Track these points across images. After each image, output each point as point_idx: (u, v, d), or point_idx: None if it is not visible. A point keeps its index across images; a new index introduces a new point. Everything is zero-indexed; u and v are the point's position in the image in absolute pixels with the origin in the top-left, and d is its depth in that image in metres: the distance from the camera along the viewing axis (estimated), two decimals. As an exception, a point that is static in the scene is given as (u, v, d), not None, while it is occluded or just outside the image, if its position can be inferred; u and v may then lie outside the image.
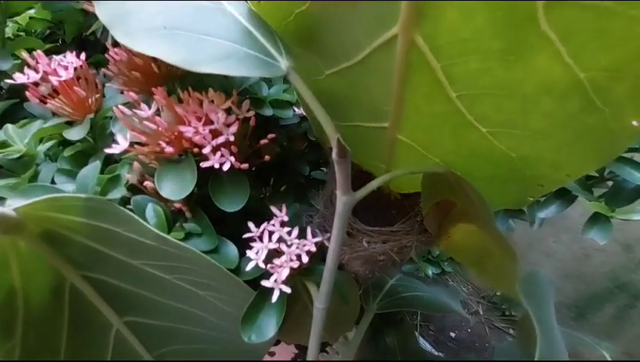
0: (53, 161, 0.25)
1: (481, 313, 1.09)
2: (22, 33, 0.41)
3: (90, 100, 0.23)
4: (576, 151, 0.16)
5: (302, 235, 0.20)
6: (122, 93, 0.24)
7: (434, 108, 0.15)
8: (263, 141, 0.21)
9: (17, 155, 0.24)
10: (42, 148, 0.25)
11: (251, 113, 0.20)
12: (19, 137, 0.26)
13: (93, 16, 0.29)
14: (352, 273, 0.29)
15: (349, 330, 0.34)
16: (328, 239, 0.19)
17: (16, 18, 0.40)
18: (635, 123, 0.13)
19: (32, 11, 0.40)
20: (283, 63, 0.17)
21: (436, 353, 0.96)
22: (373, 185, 0.18)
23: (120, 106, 0.19)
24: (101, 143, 0.25)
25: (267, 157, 0.21)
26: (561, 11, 0.10)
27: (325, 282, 0.19)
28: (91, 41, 0.42)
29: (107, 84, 0.24)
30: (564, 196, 0.29)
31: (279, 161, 0.29)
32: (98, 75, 0.26)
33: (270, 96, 0.28)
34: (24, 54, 0.22)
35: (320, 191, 0.31)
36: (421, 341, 0.99)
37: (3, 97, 0.34)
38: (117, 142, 0.19)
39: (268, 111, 0.26)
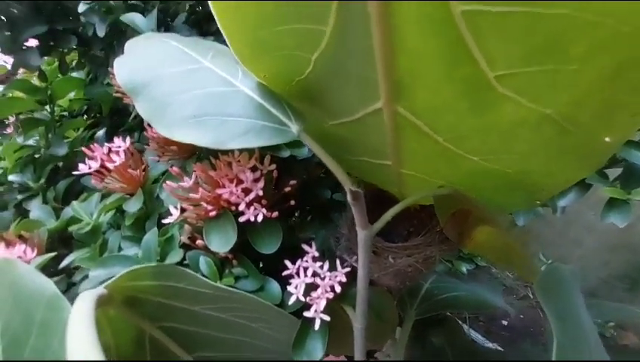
0: (115, 229, 0.29)
1: (531, 296, 1.06)
2: (65, 113, 0.48)
3: (138, 174, 0.27)
4: (565, 163, 0.18)
5: (332, 266, 0.22)
6: (158, 160, 0.28)
7: (427, 150, 0.18)
8: (287, 189, 0.24)
9: (88, 228, 0.29)
10: (105, 218, 0.30)
11: (273, 166, 0.24)
12: (84, 211, 0.31)
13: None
14: (384, 286, 0.31)
15: (392, 338, 0.36)
16: (356, 260, 0.22)
17: (59, 101, 0.47)
18: (607, 139, 0.15)
19: (71, 94, 0.46)
20: (294, 128, 0.20)
21: (489, 344, 0.95)
22: (388, 216, 0.21)
23: (168, 182, 0.23)
24: (152, 207, 0.29)
25: (292, 202, 0.24)
26: (511, 77, 0.12)
27: (359, 304, 0.22)
28: (121, 109, 0.47)
29: (150, 157, 0.29)
30: (580, 184, 0.30)
31: (301, 191, 0.32)
32: (133, 140, 0.31)
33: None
34: (84, 149, 0.26)
35: (343, 214, 0.34)
36: (472, 333, 0.98)
37: (62, 174, 0.40)
38: (170, 213, 0.22)
39: (285, 153, 0.30)
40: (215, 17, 0.17)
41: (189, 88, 0.22)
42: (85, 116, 0.48)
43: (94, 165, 0.26)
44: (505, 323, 1.03)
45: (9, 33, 0.30)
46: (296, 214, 0.35)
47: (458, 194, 0.22)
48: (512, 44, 0.11)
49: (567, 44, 0.11)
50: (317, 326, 0.21)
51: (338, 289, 0.21)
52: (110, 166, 0.26)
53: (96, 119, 0.47)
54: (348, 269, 0.22)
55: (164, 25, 0.33)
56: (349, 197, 0.19)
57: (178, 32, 0.35)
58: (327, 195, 0.35)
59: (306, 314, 0.21)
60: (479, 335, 0.99)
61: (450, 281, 0.43)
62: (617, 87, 0.13)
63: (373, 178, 0.26)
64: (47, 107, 0.39)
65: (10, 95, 0.37)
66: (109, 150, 0.26)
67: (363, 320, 0.22)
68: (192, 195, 0.22)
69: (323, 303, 0.21)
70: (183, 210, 0.23)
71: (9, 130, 0.44)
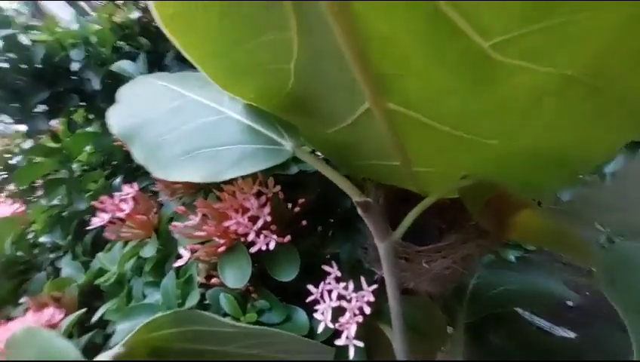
0: (139, 275, 0.29)
1: (596, 271, 0.96)
2: (86, 167, 0.49)
3: (150, 217, 0.27)
4: (603, 127, 0.15)
5: (358, 285, 0.20)
6: (170, 200, 0.27)
7: (436, 143, 0.15)
8: (296, 209, 0.22)
9: (113, 279, 0.29)
10: (128, 266, 0.30)
11: (277, 188, 0.22)
12: (109, 261, 0.31)
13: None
14: (425, 294, 0.28)
15: (444, 345, 0.33)
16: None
17: (80, 157, 0.48)
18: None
19: (87, 148, 0.47)
20: (287, 145, 0.19)
21: (558, 329, 0.87)
22: (407, 221, 0.18)
23: (174, 223, 0.22)
24: (170, 248, 0.29)
25: (304, 222, 0.23)
26: (512, 42, 0.10)
27: (395, 322, 0.19)
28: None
29: (160, 198, 0.28)
30: (628, 146, 0.27)
31: (320, 204, 0.30)
32: (145, 184, 0.31)
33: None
34: (94, 203, 0.26)
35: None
36: (535, 320, 0.91)
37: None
38: (181, 256, 0.22)
39: (294, 169, 0.28)
40: (184, 54, 0.16)
41: (177, 125, 0.21)
42: (104, 166, 0.49)
43: (106, 217, 0.26)
44: (570, 304, 0.94)
45: (18, 104, 0.32)
46: (319, 228, 0.33)
47: (485, 183, 0.19)
48: (503, 3, 0.09)
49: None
50: (351, 354, 0.19)
51: (367, 310, 0.19)
52: (121, 215, 0.25)
53: (113, 168, 0.48)
54: (375, 286, 0.20)
55: (157, 64, 0.33)
56: (359, 211, 0.18)
57: (170, 69, 0.35)
58: (347, 204, 0.33)
59: (338, 342, 0.19)
60: (543, 321, 0.91)
61: (499, 273, 0.39)
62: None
63: (390, 179, 0.24)
64: (67, 166, 0.40)
65: (32, 161, 0.39)
66: (119, 200, 0.26)
67: (402, 338, 0.20)
68: (198, 233, 0.21)
69: (354, 328, 0.19)
70: (194, 250, 0.22)
71: (39, 193, 0.46)
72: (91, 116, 0.41)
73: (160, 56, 0.33)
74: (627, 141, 0.16)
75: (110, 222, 0.26)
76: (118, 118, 0.23)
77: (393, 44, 0.10)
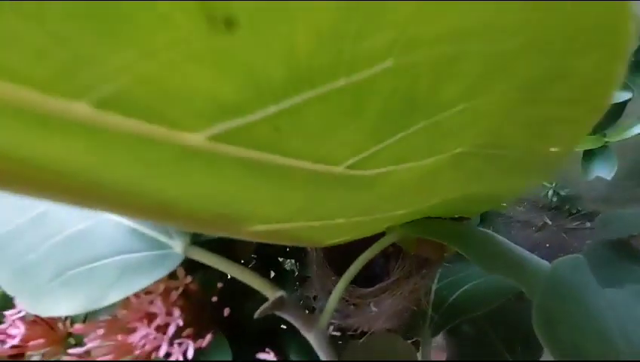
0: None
1: (550, 223, 1.03)
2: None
3: (52, 332, 0.23)
4: (511, 180, 0.13)
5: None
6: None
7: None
8: (214, 301, 0.19)
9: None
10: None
11: (189, 279, 0.19)
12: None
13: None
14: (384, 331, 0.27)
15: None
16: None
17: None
18: (553, 149, 0.11)
19: None
20: (177, 245, 0.16)
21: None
22: (332, 303, 0.16)
23: (70, 351, 0.18)
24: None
25: (227, 311, 0.20)
26: (373, 158, 0.08)
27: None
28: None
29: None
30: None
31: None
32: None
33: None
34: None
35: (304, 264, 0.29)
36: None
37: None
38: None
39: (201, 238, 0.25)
40: None
41: (41, 240, 0.17)
42: None
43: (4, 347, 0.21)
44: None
45: None
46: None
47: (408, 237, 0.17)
48: (340, 132, 0.07)
49: (430, 94, 0.07)
50: None
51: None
52: (13, 342, 0.21)
53: None
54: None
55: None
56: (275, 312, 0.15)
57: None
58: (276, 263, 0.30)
59: None
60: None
61: (459, 269, 0.37)
62: (540, 103, 0.08)
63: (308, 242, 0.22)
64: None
65: None
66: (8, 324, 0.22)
67: None
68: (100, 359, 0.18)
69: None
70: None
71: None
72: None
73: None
74: (539, 183, 0.15)
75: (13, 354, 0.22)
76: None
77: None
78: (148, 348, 0.18)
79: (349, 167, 0.08)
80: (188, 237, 0.16)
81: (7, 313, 0.23)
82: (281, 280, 0.27)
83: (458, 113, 0.08)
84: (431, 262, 0.24)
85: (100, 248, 0.16)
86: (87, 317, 0.23)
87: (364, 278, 0.25)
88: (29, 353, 0.24)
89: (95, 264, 0.16)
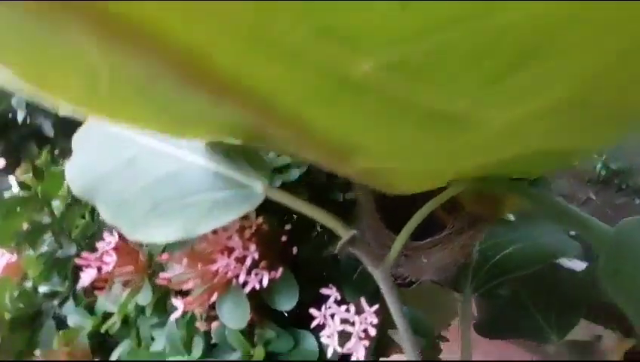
0: (143, 314, 0.29)
1: (594, 198, 0.98)
2: (69, 200, 0.48)
3: (138, 262, 0.26)
4: (600, 130, 0.13)
5: (359, 309, 0.20)
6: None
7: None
8: (283, 241, 0.21)
9: (118, 324, 0.29)
10: (131, 305, 0.30)
11: (260, 220, 0.21)
12: (111, 302, 0.31)
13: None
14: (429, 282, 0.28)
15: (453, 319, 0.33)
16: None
17: (60, 192, 0.47)
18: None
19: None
20: (257, 186, 0.17)
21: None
22: (397, 246, 0.18)
23: (161, 275, 0.21)
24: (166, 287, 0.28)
25: (294, 250, 0.22)
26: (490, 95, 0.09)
27: (406, 346, 0.19)
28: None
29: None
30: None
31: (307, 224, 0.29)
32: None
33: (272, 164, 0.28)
34: (77, 261, 0.25)
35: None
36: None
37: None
38: (176, 307, 0.21)
39: (277, 183, 0.27)
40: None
41: (136, 179, 0.20)
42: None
43: (92, 273, 0.25)
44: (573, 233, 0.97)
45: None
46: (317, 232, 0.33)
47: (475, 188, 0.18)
48: (468, 73, 0.07)
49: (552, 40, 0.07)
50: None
51: (373, 332, 0.19)
52: (107, 269, 0.25)
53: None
54: (376, 306, 0.20)
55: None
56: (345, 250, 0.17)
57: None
58: (339, 198, 0.32)
59: (349, 366, 0.19)
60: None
61: (502, 234, 0.38)
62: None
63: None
64: (46, 209, 0.39)
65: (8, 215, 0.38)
66: (102, 253, 0.25)
67: (409, 338, 0.20)
68: (186, 285, 0.20)
69: (362, 351, 0.19)
70: (188, 302, 0.21)
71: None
72: (57, 152, 0.39)
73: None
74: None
75: (99, 277, 0.25)
76: (75, 173, 0.22)
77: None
78: (229, 275, 0.20)
79: (467, 109, 0.09)
80: (266, 180, 0.18)
81: (98, 244, 0.27)
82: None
83: (570, 60, 0.08)
84: (483, 220, 0.25)
85: (189, 187, 0.18)
86: (164, 250, 0.26)
87: (416, 229, 0.26)
88: (116, 279, 0.27)
89: (187, 199, 0.18)
